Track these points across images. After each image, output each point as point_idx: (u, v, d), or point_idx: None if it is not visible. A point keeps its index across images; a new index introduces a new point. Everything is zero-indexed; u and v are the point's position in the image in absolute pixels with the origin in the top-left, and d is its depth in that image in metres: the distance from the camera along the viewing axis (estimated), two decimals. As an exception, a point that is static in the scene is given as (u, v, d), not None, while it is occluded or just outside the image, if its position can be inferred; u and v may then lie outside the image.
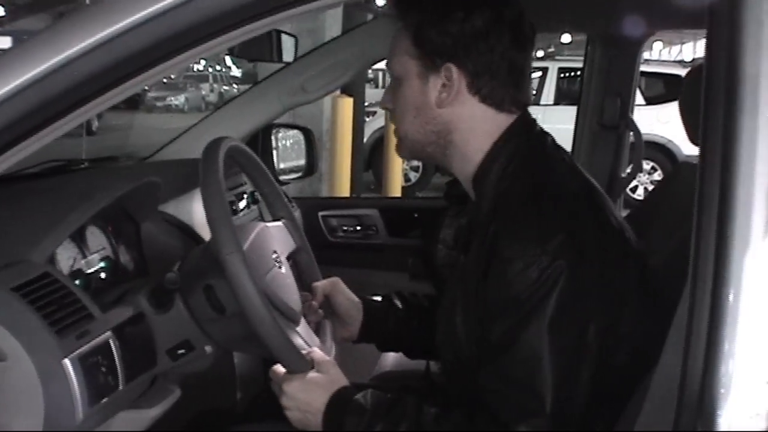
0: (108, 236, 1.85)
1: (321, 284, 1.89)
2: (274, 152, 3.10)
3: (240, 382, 2.13)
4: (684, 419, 1.14)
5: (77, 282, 1.69)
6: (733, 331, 1.12)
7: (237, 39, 1.34)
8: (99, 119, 20.83)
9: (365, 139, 10.22)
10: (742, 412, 1.10)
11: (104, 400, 1.47)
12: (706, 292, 1.14)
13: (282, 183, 3.09)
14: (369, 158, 10.94)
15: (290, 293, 1.69)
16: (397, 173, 9.37)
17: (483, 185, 1.56)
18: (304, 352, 1.58)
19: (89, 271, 1.76)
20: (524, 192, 1.49)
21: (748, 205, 1.13)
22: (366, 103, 10.35)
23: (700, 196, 1.18)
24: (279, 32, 2.20)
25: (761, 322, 1.11)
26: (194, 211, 2.05)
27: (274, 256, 1.71)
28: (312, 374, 1.55)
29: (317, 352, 1.60)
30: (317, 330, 1.80)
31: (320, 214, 3.05)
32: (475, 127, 1.57)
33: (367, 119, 10.44)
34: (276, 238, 1.80)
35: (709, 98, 1.20)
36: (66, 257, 1.68)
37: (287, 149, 3.28)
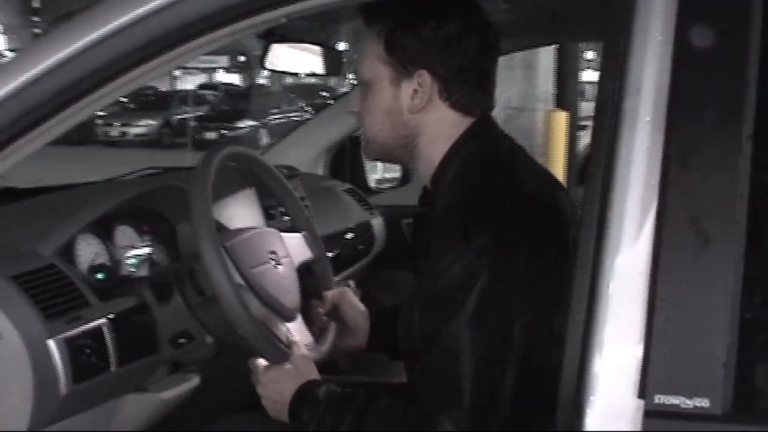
0: (141, 235, 2.02)
1: (330, 293, 2.00)
2: (366, 163, 3.23)
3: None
4: (562, 418, 1.18)
5: (99, 275, 1.87)
6: (602, 334, 1.14)
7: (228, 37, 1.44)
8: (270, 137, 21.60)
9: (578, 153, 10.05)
10: (608, 414, 1.12)
11: (91, 379, 1.64)
12: (584, 293, 1.17)
13: (374, 192, 3.22)
14: (582, 171, 10.64)
15: (283, 291, 1.81)
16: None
17: (438, 187, 1.62)
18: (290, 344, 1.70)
19: (115, 266, 1.93)
20: (463, 193, 1.54)
21: (621, 210, 1.15)
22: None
23: (584, 200, 1.22)
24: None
25: (629, 322, 1.13)
26: (231, 215, 2.20)
27: (272, 255, 1.83)
28: (286, 366, 1.66)
29: (296, 348, 1.70)
30: (320, 334, 1.91)
31: (403, 221, 3.14)
32: (442, 131, 1.62)
33: (581, 133, 10.26)
34: (286, 244, 1.92)
35: (599, 105, 1.24)
36: (87, 252, 1.86)
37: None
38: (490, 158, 1.60)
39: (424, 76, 1.59)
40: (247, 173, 2.04)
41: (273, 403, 1.66)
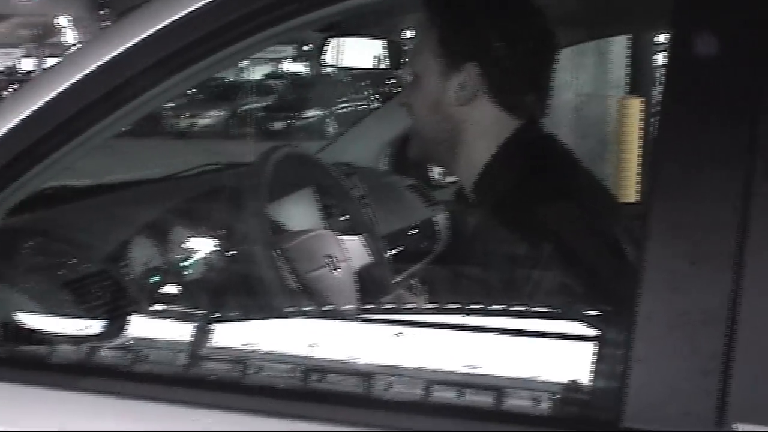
0: (197, 237, 1.98)
1: (387, 298, 1.97)
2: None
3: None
4: None
5: (154, 278, 1.84)
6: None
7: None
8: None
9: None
10: None
11: None
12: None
13: (439, 186, 3.14)
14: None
15: (340, 295, 1.76)
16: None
17: (483, 196, 1.62)
18: None
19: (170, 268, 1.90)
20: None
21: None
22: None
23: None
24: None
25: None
26: (290, 214, 2.15)
27: (328, 260, 1.79)
28: None
29: None
30: None
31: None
32: (486, 129, 1.62)
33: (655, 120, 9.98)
34: (344, 247, 1.88)
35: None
36: (142, 255, 1.83)
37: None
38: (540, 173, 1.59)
39: (473, 70, 1.58)
40: (303, 174, 2.00)
41: None
